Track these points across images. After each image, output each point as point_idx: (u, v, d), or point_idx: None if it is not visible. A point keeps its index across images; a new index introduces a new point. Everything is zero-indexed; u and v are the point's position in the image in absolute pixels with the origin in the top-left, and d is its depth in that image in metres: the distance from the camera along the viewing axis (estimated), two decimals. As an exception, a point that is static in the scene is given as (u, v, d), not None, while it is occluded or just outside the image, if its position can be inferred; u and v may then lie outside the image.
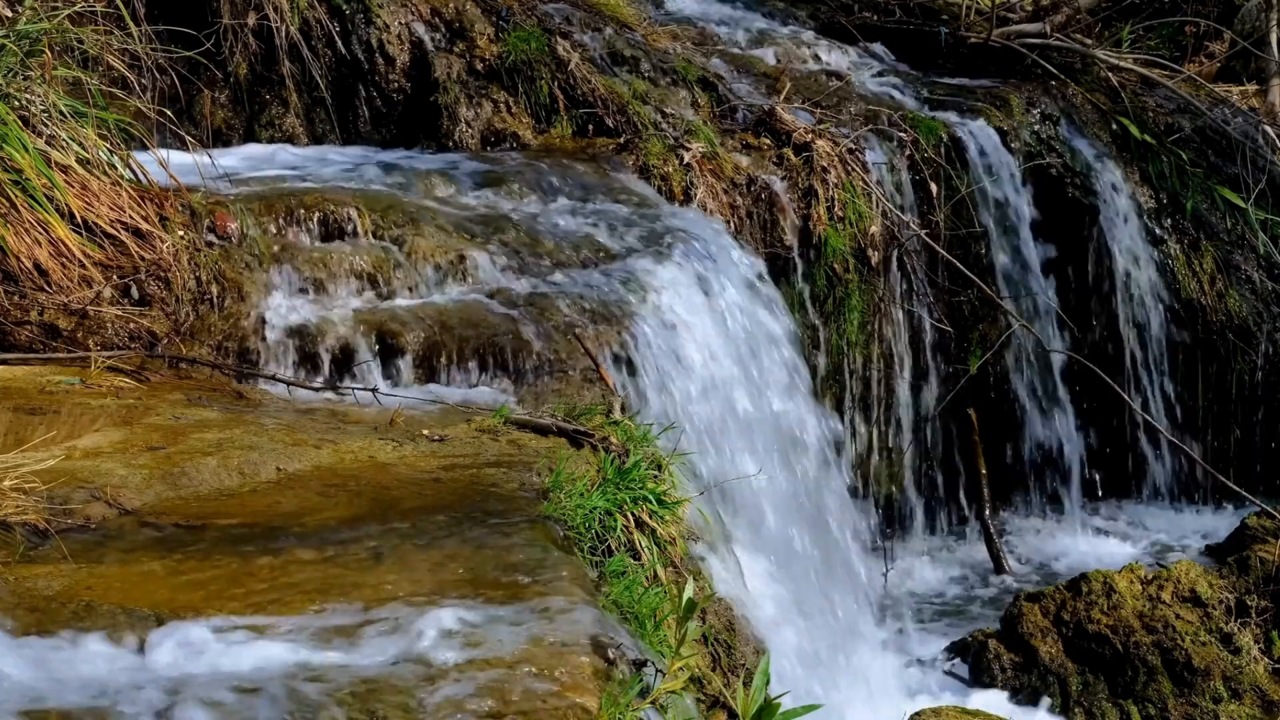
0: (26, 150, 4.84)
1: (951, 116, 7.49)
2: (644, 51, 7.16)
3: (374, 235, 5.47)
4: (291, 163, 6.25)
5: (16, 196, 4.81)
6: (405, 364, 5.03)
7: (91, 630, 2.88)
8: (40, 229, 4.83)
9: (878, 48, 8.14)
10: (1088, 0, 8.39)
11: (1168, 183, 7.85)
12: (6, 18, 5.30)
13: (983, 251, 7.36)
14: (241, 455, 3.87)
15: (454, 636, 2.87)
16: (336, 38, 6.67)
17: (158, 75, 5.99)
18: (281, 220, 5.41)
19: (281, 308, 5.14)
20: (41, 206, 4.84)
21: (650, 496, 4.11)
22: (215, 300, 5.08)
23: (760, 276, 6.12)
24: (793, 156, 6.82)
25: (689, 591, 3.28)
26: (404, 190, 5.87)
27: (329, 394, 4.72)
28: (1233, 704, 5.69)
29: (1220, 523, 7.39)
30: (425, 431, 4.23)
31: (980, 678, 5.98)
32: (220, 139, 6.49)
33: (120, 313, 4.84)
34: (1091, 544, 7.49)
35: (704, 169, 6.56)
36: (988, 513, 7.30)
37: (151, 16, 6.18)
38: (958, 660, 6.12)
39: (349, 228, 5.46)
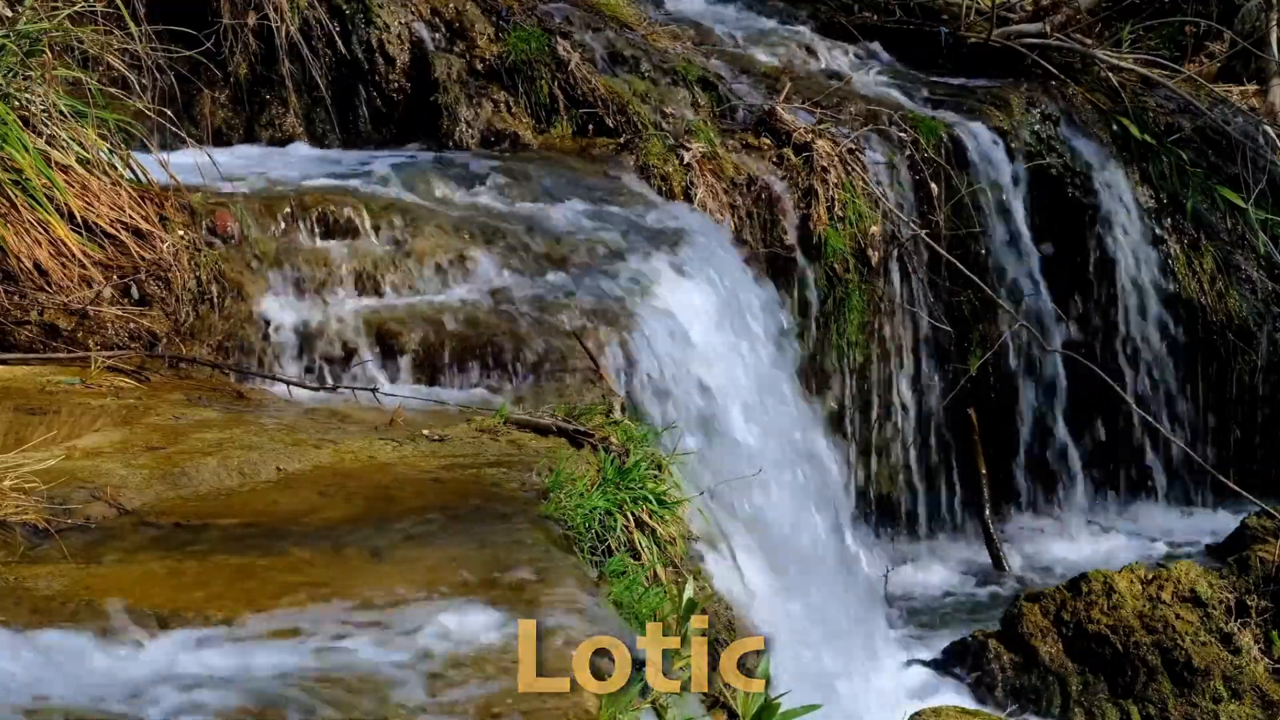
0: (26, 150, 4.84)
1: (951, 116, 7.48)
2: (644, 51, 7.15)
3: (374, 235, 5.47)
4: (291, 162, 6.24)
5: (16, 196, 4.81)
6: (405, 364, 5.03)
7: (91, 630, 2.88)
8: (40, 229, 4.83)
9: (878, 48, 8.13)
10: (1088, 0, 8.39)
11: (1168, 183, 7.84)
12: (6, 18, 5.30)
13: (982, 251, 7.35)
14: (241, 455, 3.87)
15: (454, 635, 2.87)
16: (336, 38, 6.66)
17: (158, 75, 5.99)
18: (282, 220, 5.41)
19: (282, 307, 5.14)
20: (41, 206, 4.84)
21: (650, 496, 4.11)
22: (215, 300, 5.08)
23: (754, 275, 6.14)
24: (793, 156, 6.82)
25: (689, 591, 3.28)
26: (404, 190, 5.87)
27: (329, 394, 4.72)
28: (1233, 704, 5.69)
29: (1220, 523, 7.37)
30: (425, 431, 4.24)
31: (980, 678, 5.98)
32: (220, 139, 6.48)
33: (120, 313, 4.84)
34: (1092, 544, 7.48)
35: (704, 169, 6.56)
36: (988, 512, 7.29)
37: (151, 16, 6.17)
38: (958, 660, 6.11)
39: (349, 227, 5.46)
